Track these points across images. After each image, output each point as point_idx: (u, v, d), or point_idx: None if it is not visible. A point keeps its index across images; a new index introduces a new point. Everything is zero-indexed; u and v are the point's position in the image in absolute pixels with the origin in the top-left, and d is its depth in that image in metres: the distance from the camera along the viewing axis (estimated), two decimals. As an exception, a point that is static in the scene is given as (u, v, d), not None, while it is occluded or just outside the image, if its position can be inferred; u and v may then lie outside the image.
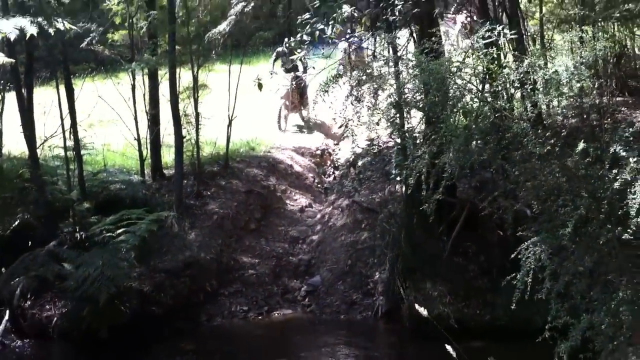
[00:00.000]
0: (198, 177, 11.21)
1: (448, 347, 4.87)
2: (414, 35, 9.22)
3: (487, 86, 6.51)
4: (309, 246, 10.98)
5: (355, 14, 8.82)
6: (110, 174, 10.96)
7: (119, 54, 11.29)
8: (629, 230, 4.84)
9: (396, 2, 8.80)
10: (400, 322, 8.75)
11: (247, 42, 13.34)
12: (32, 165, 9.84)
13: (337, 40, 13.69)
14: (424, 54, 6.13)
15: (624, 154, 4.99)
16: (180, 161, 10.55)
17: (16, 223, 9.66)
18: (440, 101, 5.87)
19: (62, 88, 10.02)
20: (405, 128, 7.16)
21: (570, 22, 10.10)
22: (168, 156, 11.66)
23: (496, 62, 6.19)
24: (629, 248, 5.11)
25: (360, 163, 9.85)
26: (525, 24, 11.35)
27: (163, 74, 11.04)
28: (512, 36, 7.84)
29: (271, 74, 13.54)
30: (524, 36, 10.26)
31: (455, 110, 5.91)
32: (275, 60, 14.71)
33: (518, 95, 6.25)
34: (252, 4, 10.92)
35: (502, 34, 6.62)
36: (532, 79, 6.11)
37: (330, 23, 8.97)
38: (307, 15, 9.34)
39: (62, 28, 8.98)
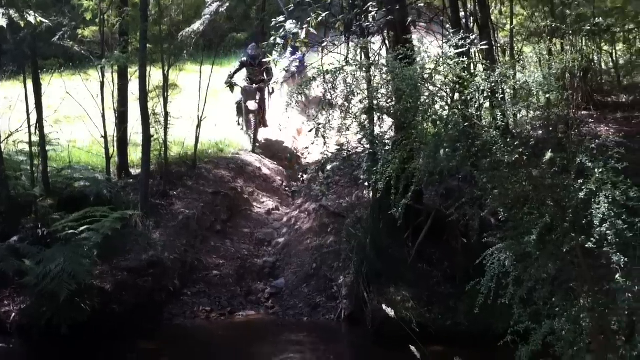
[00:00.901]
0: (165, 176, 11.13)
1: (412, 348, 4.94)
2: (387, 42, 9.31)
3: (457, 95, 6.59)
4: (274, 249, 10.96)
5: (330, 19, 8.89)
6: (75, 170, 10.78)
7: (89, 50, 11.15)
8: (592, 239, 4.92)
9: (370, 8, 8.89)
10: (363, 325, 8.78)
11: (220, 43, 13.30)
12: (-5, 159, 9.66)
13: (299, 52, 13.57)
14: (398, 60, 6.18)
15: (589, 164, 5.08)
16: (147, 160, 10.45)
17: (-23, 217, 9.47)
18: (412, 107, 5.92)
19: (29, 82, 9.89)
20: (376, 134, 7.20)
21: (541, 35, 10.30)
22: (135, 155, 11.57)
23: (467, 71, 6.26)
24: (591, 257, 5.20)
25: (329, 167, 9.88)
26: (496, 35, 11.55)
27: (133, 72, 10.94)
28: (483, 46, 7.97)
29: (227, 84, 13.16)
30: (494, 47, 10.43)
31: (426, 116, 5.96)
32: (238, 70, 13.44)
33: (487, 104, 6.33)
34: (227, 4, 10.92)
35: (473, 43, 6.72)
36: (501, 89, 6.20)
37: (303, 27, 9.03)
38: (281, 18, 9.39)
39: (32, 21, 8.86)
